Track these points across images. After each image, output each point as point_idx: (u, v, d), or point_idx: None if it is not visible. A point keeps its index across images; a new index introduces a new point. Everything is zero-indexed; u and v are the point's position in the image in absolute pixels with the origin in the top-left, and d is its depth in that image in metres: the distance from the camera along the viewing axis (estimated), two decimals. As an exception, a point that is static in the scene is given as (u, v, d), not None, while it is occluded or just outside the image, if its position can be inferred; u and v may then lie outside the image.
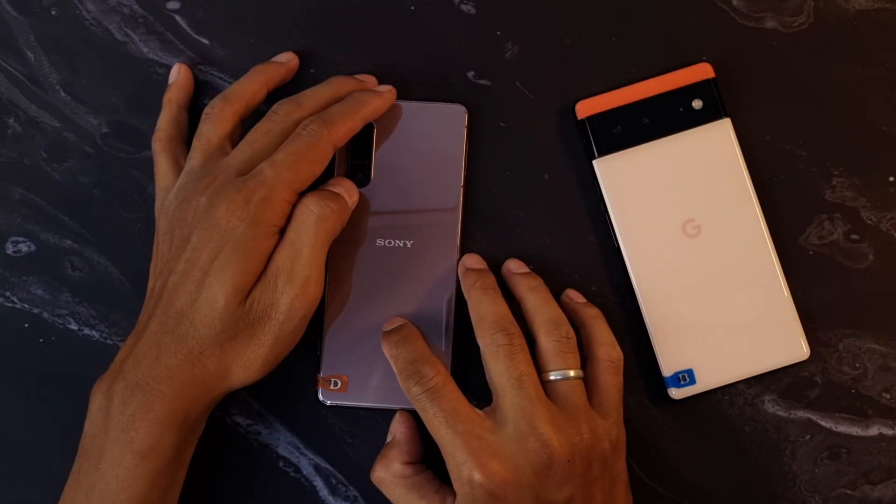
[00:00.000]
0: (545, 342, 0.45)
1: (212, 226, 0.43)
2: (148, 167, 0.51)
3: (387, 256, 0.49)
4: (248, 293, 0.43)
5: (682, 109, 0.49)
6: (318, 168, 0.45)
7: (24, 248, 0.51)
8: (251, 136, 0.46)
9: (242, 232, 0.43)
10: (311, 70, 0.51)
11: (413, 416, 0.48)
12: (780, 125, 0.50)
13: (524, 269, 0.49)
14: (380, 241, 0.49)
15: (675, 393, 0.48)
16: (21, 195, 0.51)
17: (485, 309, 0.46)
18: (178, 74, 0.50)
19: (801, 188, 0.50)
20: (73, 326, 0.50)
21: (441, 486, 0.45)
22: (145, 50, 0.51)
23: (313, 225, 0.44)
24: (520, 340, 0.44)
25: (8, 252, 0.51)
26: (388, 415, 0.49)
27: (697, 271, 0.48)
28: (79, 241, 0.50)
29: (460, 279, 0.48)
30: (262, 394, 0.49)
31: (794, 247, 0.50)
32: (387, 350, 0.46)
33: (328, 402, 0.48)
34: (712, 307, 0.48)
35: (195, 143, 0.47)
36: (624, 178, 0.49)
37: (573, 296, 0.49)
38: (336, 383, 0.48)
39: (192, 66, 0.51)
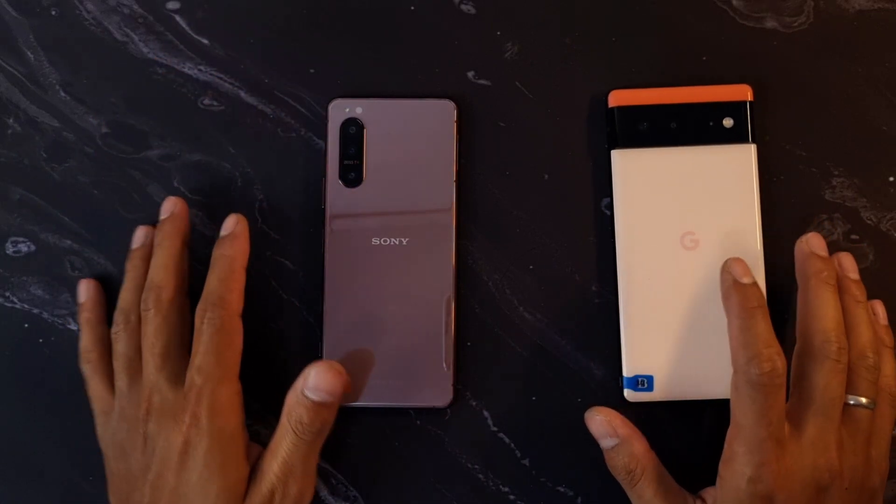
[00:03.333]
0: (853, 364, 0.44)
1: (171, 450, 0.43)
2: (148, 167, 0.51)
3: (383, 255, 0.49)
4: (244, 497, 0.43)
5: (711, 124, 0.49)
6: (239, 345, 0.45)
7: (23, 248, 0.51)
8: (146, 343, 0.45)
9: (208, 447, 0.43)
10: (311, 70, 0.51)
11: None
12: (779, 125, 0.50)
13: (856, 274, 0.47)
14: (375, 240, 0.49)
15: (630, 395, 0.47)
16: (21, 195, 0.51)
17: (823, 309, 0.44)
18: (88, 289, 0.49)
19: (801, 188, 0.50)
20: (73, 326, 0.50)
21: (677, 485, 0.45)
22: (145, 50, 0.51)
23: (297, 439, 0.44)
24: (846, 358, 0.44)
25: (8, 252, 0.50)
26: (389, 414, 0.49)
27: (685, 284, 0.48)
28: (79, 241, 0.50)
29: (803, 260, 0.46)
30: (263, 394, 0.49)
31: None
32: (735, 309, 0.44)
33: (328, 403, 0.48)
34: (690, 323, 0.48)
35: (115, 363, 0.46)
36: (637, 174, 0.49)
37: (880, 311, 0.48)
38: None
39: (193, 66, 0.51)
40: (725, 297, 0.45)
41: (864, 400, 0.44)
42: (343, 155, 0.49)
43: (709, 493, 0.45)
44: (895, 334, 0.47)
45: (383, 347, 0.48)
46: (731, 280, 0.45)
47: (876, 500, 0.44)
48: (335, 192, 0.49)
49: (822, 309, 0.44)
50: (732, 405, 0.43)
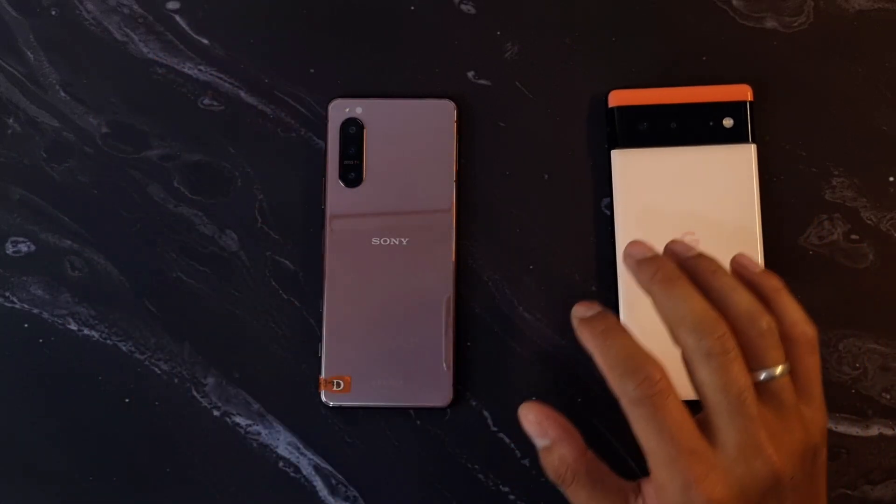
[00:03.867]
0: (745, 338, 0.39)
1: None
2: (148, 167, 0.51)
3: (384, 255, 0.49)
4: None
5: (711, 124, 0.49)
6: None
7: (23, 248, 0.51)
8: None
9: None
10: (311, 70, 0.51)
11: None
12: (779, 125, 0.50)
13: (693, 251, 0.42)
14: (375, 240, 0.49)
15: None
16: (21, 195, 0.51)
17: (681, 307, 0.39)
18: None
19: (801, 188, 0.50)
20: (73, 326, 0.50)
21: (619, 480, 0.41)
22: (145, 50, 0.51)
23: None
24: (732, 342, 0.38)
25: (8, 252, 0.50)
26: (389, 414, 0.49)
27: None
28: (79, 241, 0.50)
29: (633, 274, 0.41)
30: (262, 394, 0.49)
31: (794, 247, 0.50)
32: (589, 340, 0.40)
33: (331, 404, 0.48)
34: None
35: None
36: (637, 174, 0.49)
37: (746, 263, 0.43)
38: (339, 384, 0.48)
39: (193, 66, 0.51)
40: (578, 336, 0.41)
41: (777, 370, 0.39)
42: (343, 155, 0.49)
43: (648, 484, 0.40)
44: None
45: (383, 347, 0.48)
46: (576, 321, 0.41)
47: (819, 457, 0.41)
48: (335, 192, 0.49)
49: (678, 308, 0.39)
50: (635, 434, 0.38)
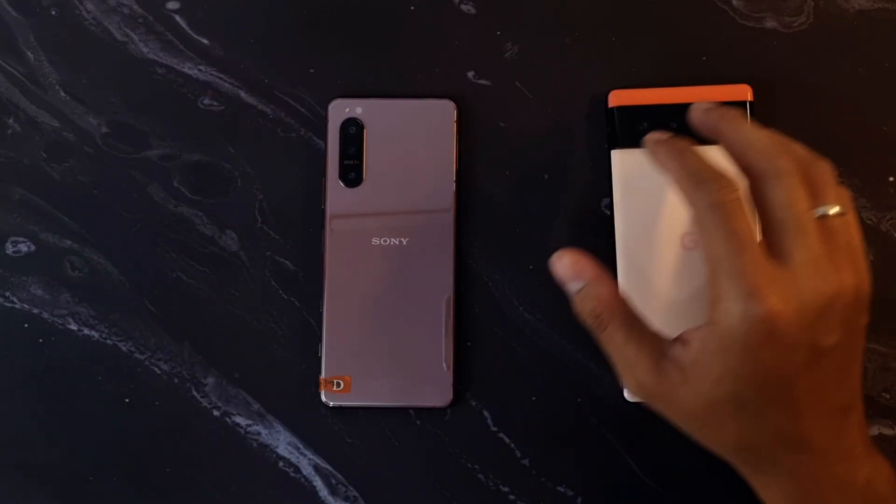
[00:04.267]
0: (806, 176, 0.40)
1: None
2: (148, 167, 0.51)
3: (383, 255, 0.49)
4: None
5: None
6: None
7: (23, 248, 0.51)
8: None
9: None
10: (311, 70, 0.51)
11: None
12: (779, 125, 0.50)
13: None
14: (375, 240, 0.49)
15: (630, 395, 0.48)
16: (21, 195, 0.51)
17: (750, 134, 0.41)
18: None
19: (801, 188, 0.50)
20: (73, 326, 0.50)
21: (653, 327, 0.42)
22: (145, 50, 0.51)
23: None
24: (800, 169, 0.40)
25: (8, 252, 0.51)
26: (389, 414, 0.49)
27: (683, 284, 0.48)
28: (79, 241, 0.50)
29: (699, 126, 0.43)
30: (262, 394, 0.49)
31: (794, 247, 0.50)
32: (667, 157, 0.41)
33: (331, 404, 0.48)
34: (690, 323, 0.47)
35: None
36: (637, 174, 0.49)
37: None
38: (339, 384, 0.48)
39: (193, 66, 0.51)
40: (652, 157, 0.43)
41: (835, 208, 0.40)
42: (343, 155, 0.49)
43: (694, 335, 0.40)
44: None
45: (383, 347, 0.48)
46: (651, 144, 0.43)
47: (862, 318, 0.41)
48: (335, 192, 0.49)
49: (749, 135, 0.41)
50: (703, 244, 0.39)
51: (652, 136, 0.43)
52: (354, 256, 0.49)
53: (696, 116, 0.44)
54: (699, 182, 0.40)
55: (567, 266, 0.42)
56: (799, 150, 0.42)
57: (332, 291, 0.49)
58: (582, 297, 0.42)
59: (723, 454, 0.42)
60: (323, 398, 0.48)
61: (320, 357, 0.48)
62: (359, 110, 0.50)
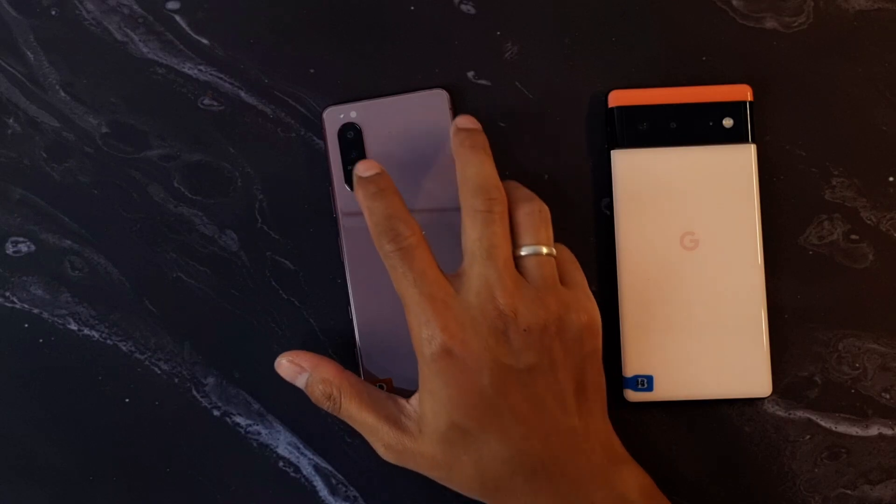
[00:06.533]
0: (516, 216, 0.45)
1: None
2: (148, 167, 0.51)
3: None
4: None
5: (711, 124, 0.49)
6: None
7: (23, 248, 0.51)
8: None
9: None
10: (311, 70, 0.51)
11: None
12: (779, 125, 0.50)
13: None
14: None
15: (631, 395, 0.48)
16: (21, 195, 0.51)
17: (471, 170, 0.45)
18: None
19: (801, 188, 0.50)
20: (73, 326, 0.50)
21: (382, 391, 0.46)
22: (145, 50, 0.51)
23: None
24: (500, 208, 0.44)
25: (8, 252, 0.51)
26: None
27: (685, 284, 0.48)
28: (79, 241, 0.50)
29: (452, 139, 0.47)
30: (262, 394, 0.49)
31: (794, 247, 0.50)
32: (361, 199, 0.45)
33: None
34: (690, 323, 0.48)
35: None
36: (637, 175, 0.49)
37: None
38: (381, 388, 0.48)
39: (193, 66, 0.51)
40: (354, 191, 0.46)
41: (542, 249, 0.44)
42: (345, 160, 0.49)
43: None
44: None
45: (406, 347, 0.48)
46: (354, 173, 0.45)
47: (588, 342, 0.44)
48: (344, 198, 0.49)
49: (465, 172, 0.45)
50: (394, 284, 0.43)
51: (358, 169, 0.45)
52: (375, 257, 0.48)
53: (451, 130, 0.47)
54: (380, 233, 0.43)
55: (287, 366, 0.46)
56: (518, 192, 0.46)
57: (358, 297, 0.48)
58: (310, 386, 0.45)
59: (475, 496, 0.43)
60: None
61: (360, 361, 0.48)
62: (353, 114, 0.50)
